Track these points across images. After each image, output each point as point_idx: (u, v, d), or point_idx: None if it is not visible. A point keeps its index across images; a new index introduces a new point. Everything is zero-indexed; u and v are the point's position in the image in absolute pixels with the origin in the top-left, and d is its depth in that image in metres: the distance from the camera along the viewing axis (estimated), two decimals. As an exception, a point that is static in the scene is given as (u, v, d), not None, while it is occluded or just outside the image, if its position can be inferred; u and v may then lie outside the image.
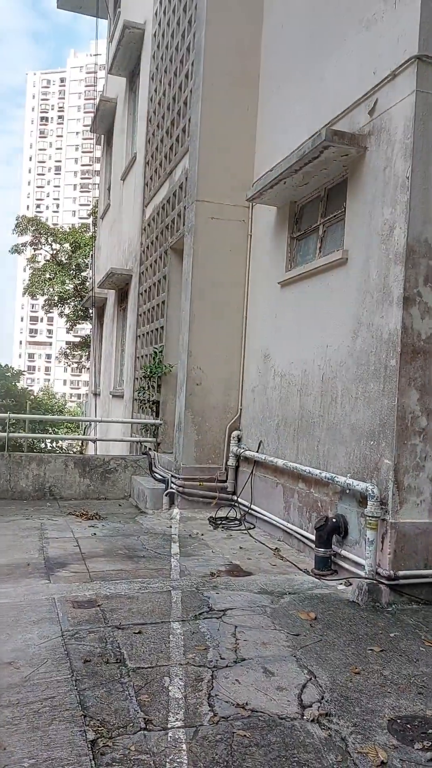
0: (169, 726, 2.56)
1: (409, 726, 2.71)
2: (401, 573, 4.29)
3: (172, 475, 7.49)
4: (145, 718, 2.60)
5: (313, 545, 5.12)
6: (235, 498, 7.21)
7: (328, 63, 5.64)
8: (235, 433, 7.31)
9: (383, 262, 4.61)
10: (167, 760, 2.33)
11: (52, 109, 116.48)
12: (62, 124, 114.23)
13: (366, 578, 4.32)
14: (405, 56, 4.40)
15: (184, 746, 2.42)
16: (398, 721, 2.75)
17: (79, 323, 30.61)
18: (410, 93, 4.36)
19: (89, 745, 2.38)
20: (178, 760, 2.33)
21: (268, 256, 6.86)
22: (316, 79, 5.87)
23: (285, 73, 6.71)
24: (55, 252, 29.95)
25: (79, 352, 32.05)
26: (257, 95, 7.42)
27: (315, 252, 5.90)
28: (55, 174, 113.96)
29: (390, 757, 2.47)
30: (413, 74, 4.34)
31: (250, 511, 6.75)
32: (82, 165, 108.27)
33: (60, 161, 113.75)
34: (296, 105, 6.34)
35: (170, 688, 2.88)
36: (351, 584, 4.50)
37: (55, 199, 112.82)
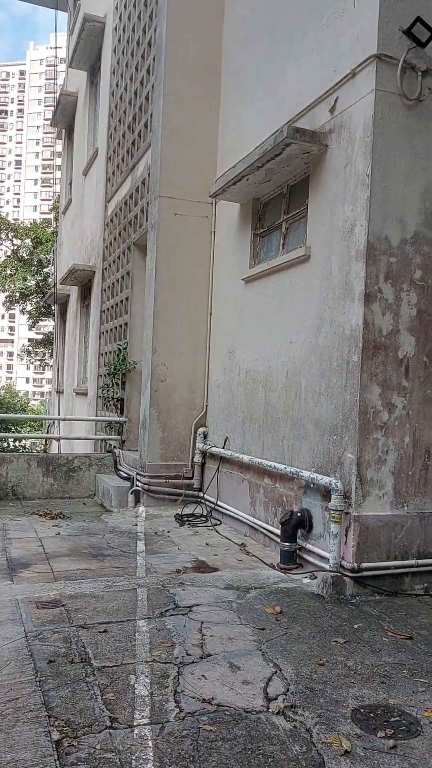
0: (134, 723, 2.55)
1: (372, 715, 2.76)
2: (365, 565, 4.36)
3: (137, 473, 7.46)
4: (110, 717, 2.59)
5: (278, 540, 5.16)
6: (202, 495, 7.22)
7: (290, 59, 5.67)
8: (201, 430, 7.32)
9: (345, 258, 4.66)
10: (133, 758, 2.32)
11: (12, 102, 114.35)
12: (22, 117, 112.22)
13: (330, 571, 4.38)
14: (364, 55, 4.46)
15: (150, 743, 2.42)
16: (362, 710, 2.80)
17: (41, 320, 30.17)
18: (369, 92, 4.41)
19: (54, 746, 2.36)
20: (144, 757, 2.33)
21: (232, 253, 6.88)
22: (278, 76, 5.90)
23: (247, 69, 6.72)
24: (16, 248, 29.45)
25: (42, 350, 31.59)
26: (219, 90, 7.42)
27: (278, 248, 5.94)
28: (16, 168, 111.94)
29: (353, 746, 2.51)
30: (372, 73, 4.39)
31: (216, 507, 6.76)
32: (44, 159, 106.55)
33: (20, 155, 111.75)
34: (258, 101, 6.36)
35: (136, 685, 2.87)
36: (316, 577, 4.55)
37: (15, 193, 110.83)
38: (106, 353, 10.05)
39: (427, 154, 4.56)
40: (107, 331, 10.06)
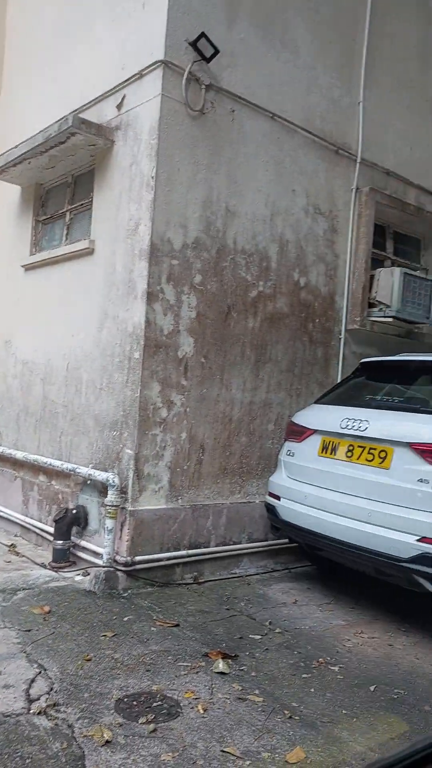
0: None
1: (135, 703, 2.82)
2: (138, 558, 4.44)
3: None
4: None
5: (52, 538, 5.02)
6: (-28, 495, 6.74)
7: (78, 49, 5.57)
8: (-28, 426, 6.83)
9: (129, 256, 4.71)
10: None
11: None
12: None
13: (103, 566, 4.38)
14: (152, 59, 4.55)
15: None
16: (125, 699, 2.84)
17: None
18: (156, 96, 4.51)
19: None
20: None
21: (11, 237, 6.54)
22: (65, 63, 5.76)
23: (33, 50, 6.45)
24: None
25: None
26: (2, 68, 7.01)
27: (62, 238, 5.79)
28: None
29: (115, 734, 2.53)
30: (159, 78, 4.50)
31: (-13, 507, 6.36)
32: None
33: None
34: (47, 85, 6.13)
35: None
36: (89, 574, 4.52)
37: None
38: None
39: (209, 165, 4.79)
40: None
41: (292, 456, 4.75)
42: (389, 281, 5.87)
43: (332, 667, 3.41)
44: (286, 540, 4.98)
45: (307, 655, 3.52)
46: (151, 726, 2.63)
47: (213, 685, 3.06)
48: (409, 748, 0.67)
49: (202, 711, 2.80)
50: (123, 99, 4.84)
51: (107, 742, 2.48)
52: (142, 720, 2.67)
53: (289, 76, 5.24)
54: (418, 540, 3.78)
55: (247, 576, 4.90)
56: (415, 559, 3.75)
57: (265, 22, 5.05)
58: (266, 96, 5.08)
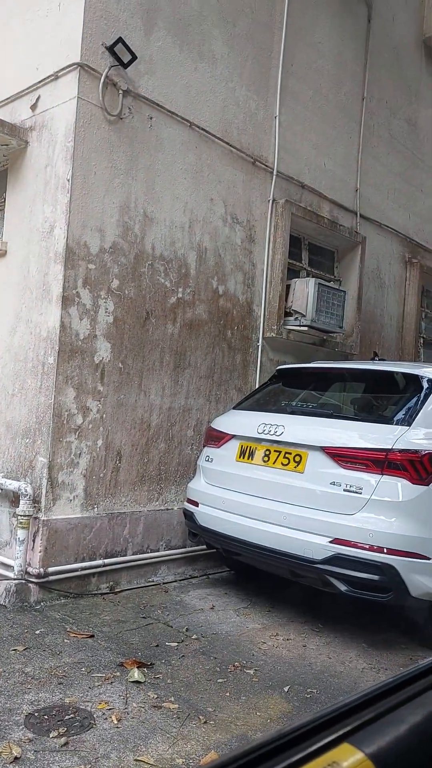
0: None
1: (46, 717, 2.73)
2: (51, 569, 4.31)
3: None
4: None
5: (-39, 552, 4.80)
6: None
7: (-6, 47, 5.42)
8: None
9: (43, 259, 4.60)
10: None
11: None
12: None
13: (14, 579, 4.23)
14: (67, 61, 4.48)
15: None
16: (36, 714, 2.74)
17: None
18: (72, 98, 4.46)
19: None
20: None
21: None
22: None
23: None
24: None
25: None
26: None
27: (-26, 241, 5.58)
28: None
29: (24, 750, 2.44)
30: (75, 81, 4.45)
31: None
32: None
33: None
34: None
35: None
36: None
37: None
38: None
39: (127, 171, 4.77)
40: None
41: (211, 461, 4.77)
42: (304, 291, 6.03)
43: (248, 671, 3.43)
44: (204, 546, 4.99)
45: (223, 660, 3.53)
46: (63, 739, 2.55)
47: (128, 695, 3.02)
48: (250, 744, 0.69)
49: (116, 721, 2.75)
50: (38, 100, 4.74)
51: (16, 758, 2.38)
52: (53, 734, 2.59)
53: (207, 86, 5.31)
54: (330, 542, 3.88)
55: (165, 583, 4.87)
56: (327, 560, 3.85)
57: (183, 32, 5.10)
58: (184, 105, 5.12)
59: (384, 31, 7.33)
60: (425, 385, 4.30)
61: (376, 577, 3.72)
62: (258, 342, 5.90)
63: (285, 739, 0.68)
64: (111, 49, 4.53)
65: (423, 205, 8.15)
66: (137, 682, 3.16)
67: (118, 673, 3.23)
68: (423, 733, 0.73)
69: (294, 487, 4.16)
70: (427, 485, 3.81)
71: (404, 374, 4.61)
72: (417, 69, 7.92)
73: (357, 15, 6.91)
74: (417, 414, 4.11)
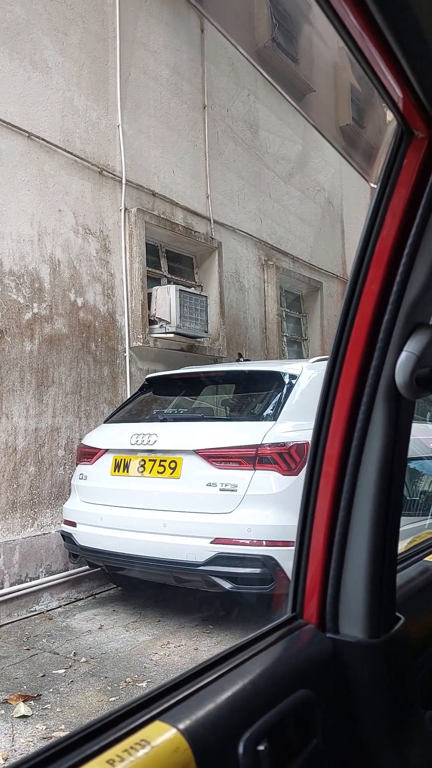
0: None
1: None
2: None
3: None
4: None
5: None
6: None
7: None
8: None
9: None
10: None
11: None
12: None
13: None
14: None
15: None
16: None
17: None
18: None
19: None
20: None
21: None
22: None
23: None
24: None
25: None
26: None
27: None
28: None
29: None
30: None
31: None
32: None
33: None
34: None
35: None
36: None
37: None
38: None
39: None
40: None
41: (85, 479, 4.64)
42: (166, 298, 6.06)
43: (140, 684, 3.36)
44: (87, 566, 4.84)
45: (114, 678, 3.43)
46: None
47: (14, 732, 2.84)
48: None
49: (2, 761, 2.58)
50: None
51: None
52: None
53: (43, 96, 5.18)
54: (211, 542, 3.91)
55: (48, 611, 4.66)
56: (210, 561, 3.88)
57: (12, 41, 4.94)
58: (20, 115, 4.96)
59: (218, 41, 7.55)
60: (287, 380, 4.45)
61: (258, 570, 3.79)
62: (125, 352, 5.83)
63: (99, 724, 0.71)
64: None
65: (273, 209, 8.49)
66: (24, 716, 2.99)
67: (2, 711, 3.04)
68: (229, 705, 0.77)
69: (172, 494, 4.15)
70: (297, 475, 3.94)
71: (268, 372, 4.76)
72: (253, 78, 8.24)
73: (190, 26, 7.07)
74: (282, 408, 4.25)
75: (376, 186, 0.93)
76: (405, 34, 0.70)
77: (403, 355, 0.89)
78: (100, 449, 4.62)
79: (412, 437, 1.04)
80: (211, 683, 0.81)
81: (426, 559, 1.36)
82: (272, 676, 0.87)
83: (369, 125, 10.37)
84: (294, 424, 4.14)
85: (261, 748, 0.75)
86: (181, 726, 0.71)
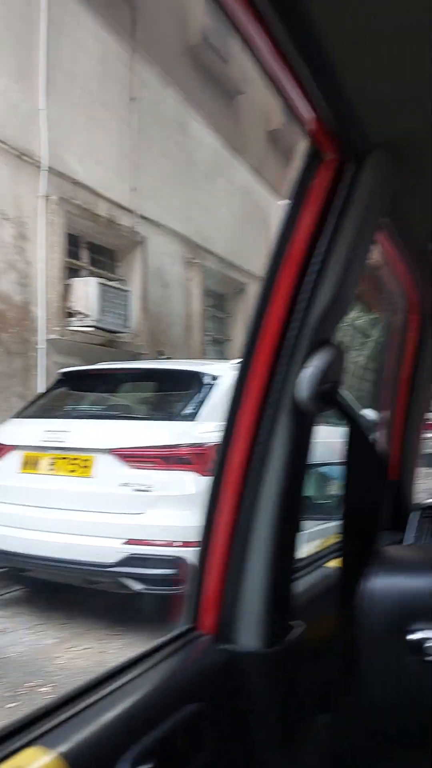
0: None
1: None
2: None
3: None
4: None
5: None
6: None
7: None
8: None
9: None
10: None
11: None
12: None
13: None
14: None
15: None
16: None
17: None
18: None
19: None
20: None
21: None
22: None
23: None
24: None
25: None
26: None
27: None
28: None
29: None
30: None
31: None
32: None
33: None
34: None
35: None
36: None
37: None
38: None
39: None
40: None
41: (-8, 477, 4.43)
42: (86, 291, 5.91)
43: (42, 689, 3.24)
44: (-10, 567, 4.63)
45: (14, 684, 3.28)
46: None
47: None
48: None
49: None
50: None
51: None
52: None
53: (-40, 72, 4.92)
54: (124, 543, 3.83)
55: None
56: (122, 562, 3.80)
57: None
58: None
59: (150, 36, 7.43)
60: (206, 381, 4.42)
61: (171, 572, 3.74)
62: (40, 344, 5.63)
63: None
64: None
65: (200, 207, 8.46)
66: None
67: None
68: (115, 724, 0.76)
69: (84, 493, 4.03)
70: (213, 475, 3.92)
71: (188, 371, 4.71)
72: (183, 75, 8.17)
73: (120, 17, 6.91)
74: (201, 409, 4.22)
75: (285, 202, 0.96)
76: (313, 58, 0.72)
77: (306, 370, 0.91)
78: (7, 445, 4.43)
79: (324, 442, 1.05)
80: (97, 702, 0.78)
81: (326, 565, 1.39)
82: (162, 691, 0.85)
83: (300, 131, 10.52)
84: (213, 424, 4.11)
85: (147, 767, 0.73)
86: (63, 749, 0.68)
